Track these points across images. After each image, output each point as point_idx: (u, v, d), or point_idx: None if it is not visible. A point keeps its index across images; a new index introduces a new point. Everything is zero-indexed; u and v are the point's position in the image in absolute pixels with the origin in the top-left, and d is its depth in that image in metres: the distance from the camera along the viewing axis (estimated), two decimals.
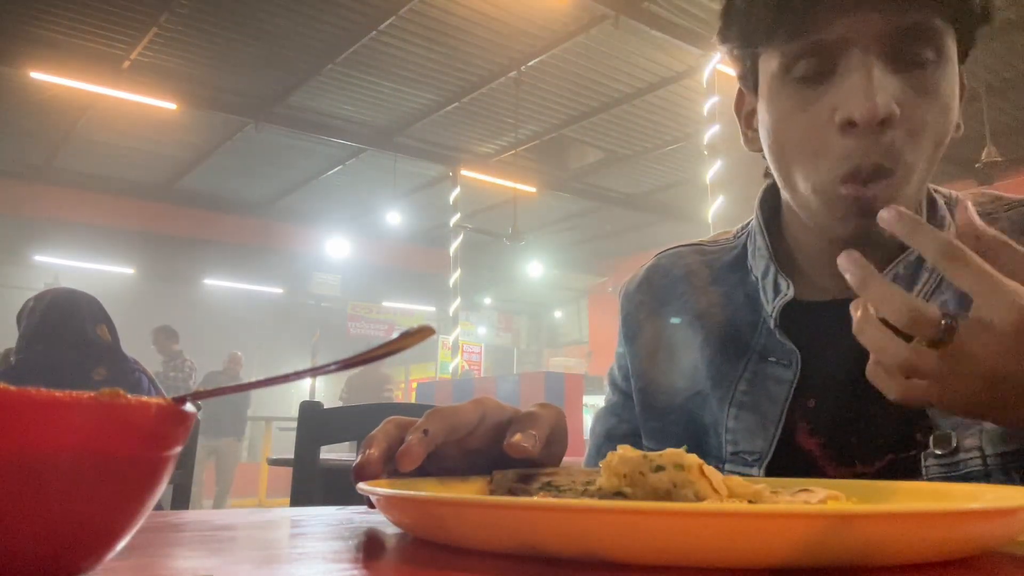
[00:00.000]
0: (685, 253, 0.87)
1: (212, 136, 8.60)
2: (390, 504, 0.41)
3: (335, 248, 11.31)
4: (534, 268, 12.28)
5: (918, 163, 0.65)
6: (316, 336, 10.36)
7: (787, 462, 0.70)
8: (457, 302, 9.56)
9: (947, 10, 0.63)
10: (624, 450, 0.43)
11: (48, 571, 0.27)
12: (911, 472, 0.67)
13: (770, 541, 0.31)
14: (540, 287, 13.10)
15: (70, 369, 2.27)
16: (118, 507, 0.28)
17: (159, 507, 0.73)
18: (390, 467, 0.51)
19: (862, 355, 0.54)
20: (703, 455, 0.75)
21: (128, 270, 10.68)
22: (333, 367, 0.33)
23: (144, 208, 10.42)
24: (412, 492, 0.39)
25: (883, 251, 0.72)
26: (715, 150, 6.69)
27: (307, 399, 1.57)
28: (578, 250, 12.72)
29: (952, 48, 0.66)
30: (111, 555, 0.29)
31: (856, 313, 0.53)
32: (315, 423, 1.56)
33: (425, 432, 0.51)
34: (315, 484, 1.54)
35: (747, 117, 0.76)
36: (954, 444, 0.65)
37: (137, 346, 2.79)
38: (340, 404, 6.46)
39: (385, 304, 12.90)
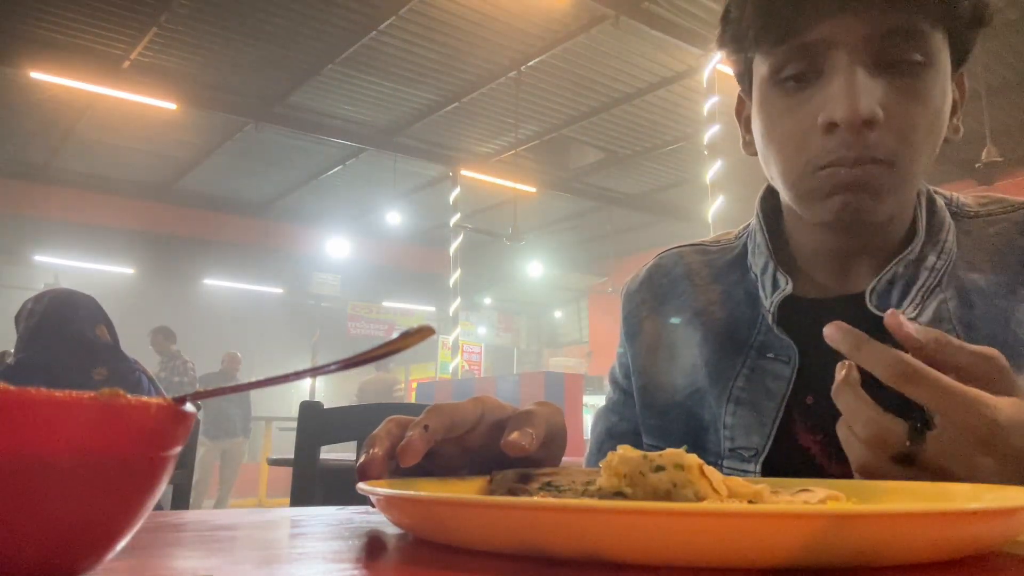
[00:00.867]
0: (687, 253, 0.88)
1: (212, 136, 8.61)
2: (390, 504, 0.41)
3: (335, 248, 11.31)
4: (534, 268, 12.28)
5: (905, 163, 0.65)
6: (316, 336, 10.36)
7: (786, 459, 0.70)
8: (457, 302, 9.56)
9: (934, 13, 0.63)
10: (624, 450, 0.43)
11: (48, 571, 0.27)
12: None
13: (770, 541, 0.31)
14: (540, 287, 13.10)
15: (70, 370, 2.27)
16: (118, 507, 0.28)
17: (159, 507, 0.73)
18: (392, 465, 0.51)
19: None
20: (702, 452, 0.76)
21: (128, 270, 10.68)
22: (333, 367, 0.33)
23: (144, 208, 10.42)
24: (412, 492, 0.39)
25: (880, 249, 0.72)
26: (715, 150, 6.69)
27: (307, 399, 1.57)
28: (578, 250, 12.72)
29: (942, 51, 0.66)
30: (111, 555, 0.29)
31: (840, 374, 0.52)
32: (315, 423, 1.56)
33: (425, 428, 0.51)
34: (315, 484, 1.54)
35: (746, 122, 0.77)
36: None
37: (137, 346, 2.79)
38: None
39: (385, 304, 12.90)
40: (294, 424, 1.63)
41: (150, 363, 4.43)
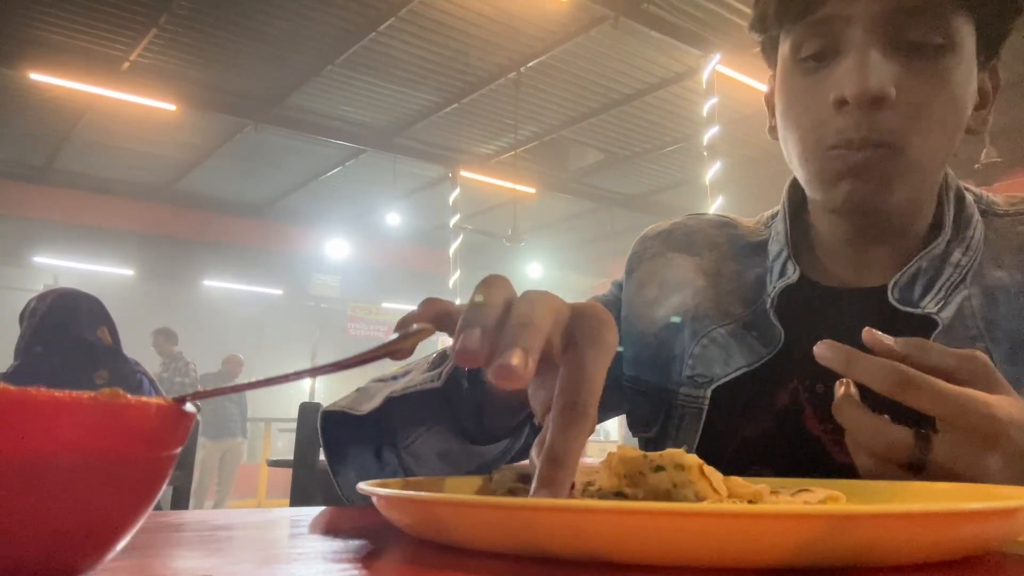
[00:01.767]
0: (716, 224, 0.87)
1: (211, 137, 8.61)
2: (390, 504, 0.41)
3: (335, 249, 11.31)
4: (534, 269, 12.28)
5: (919, 146, 0.64)
6: (316, 337, 10.36)
7: (795, 448, 0.70)
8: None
9: None
10: (624, 450, 0.43)
11: (48, 571, 0.27)
12: None
13: (770, 541, 0.31)
14: (540, 288, 13.07)
15: (71, 372, 2.27)
16: (118, 507, 0.28)
17: (159, 507, 0.73)
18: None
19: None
20: (666, 381, 0.76)
21: (127, 271, 10.68)
22: (333, 368, 0.33)
23: (143, 209, 10.42)
24: (412, 492, 0.39)
25: (901, 242, 0.72)
26: (715, 151, 6.70)
27: (307, 400, 1.57)
28: (578, 251, 12.72)
29: (966, 36, 0.65)
30: (111, 555, 0.29)
31: (839, 391, 0.52)
32: (314, 424, 1.56)
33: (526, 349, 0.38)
34: (314, 485, 1.54)
35: (771, 106, 0.77)
36: None
37: (137, 347, 2.79)
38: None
39: (385, 305, 12.90)
40: (294, 425, 1.63)
41: (151, 364, 4.43)
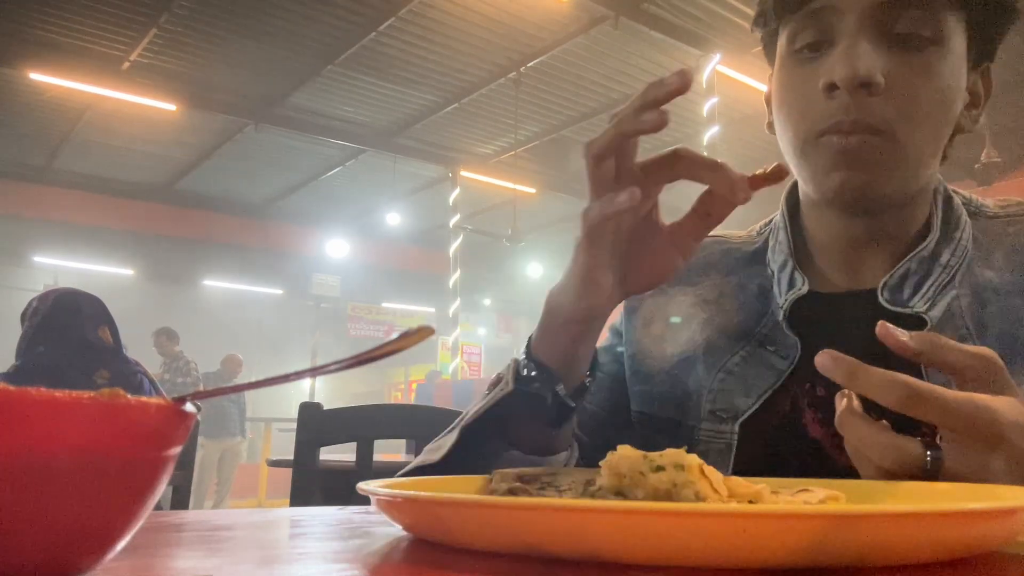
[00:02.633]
0: (707, 243, 0.87)
1: (211, 137, 8.61)
2: (390, 504, 0.41)
3: (335, 249, 11.31)
4: (534, 269, 12.28)
5: (909, 135, 0.65)
6: (316, 337, 10.36)
7: (796, 451, 0.70)
8: (457, 303, 9.56)
9: None
10: (624, 450, 0.43)
11: (48, 571, 0.27)
12: None
13: (770, 541, 0.31)
14: (540, 288, 13.08)
15: (71, 371, 2.27)
16: (118, 507, 0.28)
17: (159, 507, 0.73)
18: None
19: (873, 347, 0.53)
20: (682, 417, 0.76)
21: (127, 271, 10.68)
22: (333, 367, 0.33)
23: (143, 209, 10.42)
24: (412, 492, 0.39)
25: (893, 245, 0.73)
26: (714, 151, 6.70)
27: (307, 400, 1.57)
28: None
29: (955, 33, 0.66)
30: (111, 555, 0.29)
31: (840, 404, 0.52)
32: (314, 424, 1.56)
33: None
34: (314, 485, 1.54)
35: (770, 103, 0.78)
36: None
37: (136, 347, 2.79)
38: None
39: (385, 305, 12.90)
40: (294, 425, 1.62)
41: (151, 364, 4.43)
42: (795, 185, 0.81)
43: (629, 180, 0.57)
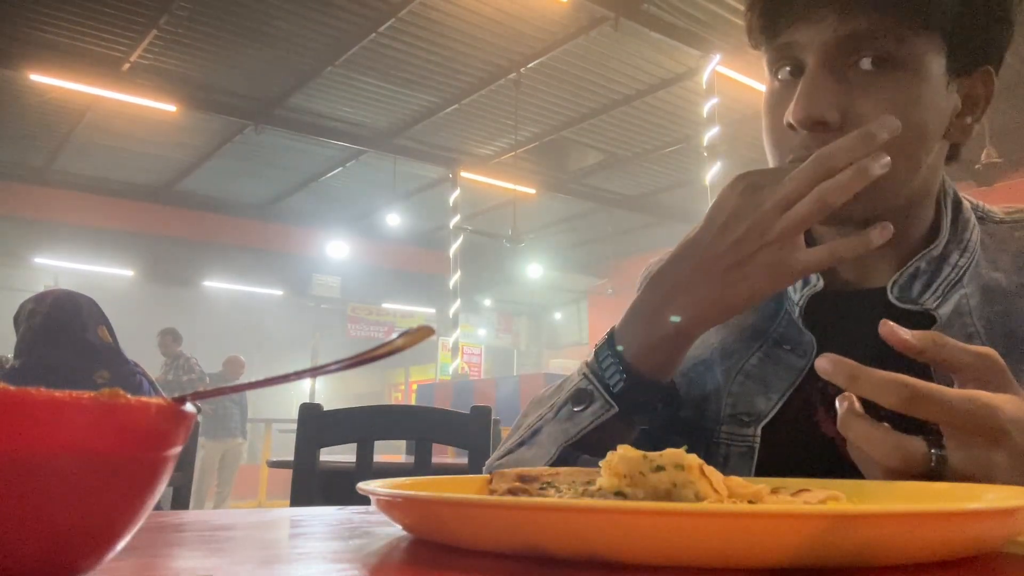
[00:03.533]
0: None
1: (212, 138, 8.61)
2: (390, 504, 0.41)
3: (335, 250, 11.31)
4: (534, 270, 12.28)
5: None
6: (316, 337, 10.36)
7: (809, 449, 0.71)
8: (457, 304, 9.56)
9: (907, 15, 0.64)
10: (624, 450, 0.43)
11: (48, 571, 0.27)
12: None
13: (770, 541, 0.31)
14: (540, 289, 13.11)
15: (72, 372, 2.27)
16: (118, 507, 0.28)
17: (159, 507, 0.73)
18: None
19: (883, 345, 0.53)
20: (700, 419, 0.77)
21: (128, 272, 10.68)
22: (333, 368, 0.33)
23: (144, 210, 10.43)
24: (412, 492, 0.39)
25: (902, 246, 0.73)
26: (715, 151, 6.70)
27: (307, 401, 1.58)
28: (578, 252, 12.73)
29: (928, 54, 0.65)
30: (111, 555, 0.29)
31: (842, 406, 0.52)
32: (315, 425, 1.56)
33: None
34: (314, 486, 1.54)
35: None
36: None
37: (136, 349, 2.79)
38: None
39: (385, 306, 12.90)
40: (294, 426, 1.63)
41: (151, 365, 4.43)
42: None
43: None
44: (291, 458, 1.56)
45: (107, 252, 10.29)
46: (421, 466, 1.68)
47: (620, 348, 0.67)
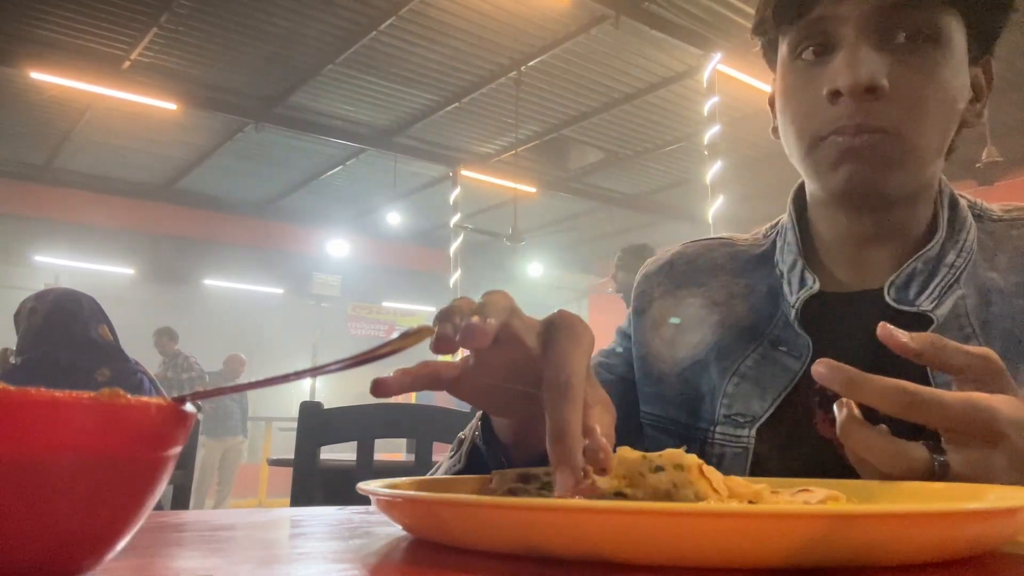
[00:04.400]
0: (714, 246, 0.88)
1: (212, 136, 8.60)
2: (390, 504, 0.41)
3: (335, 248, 11.31)
4: (534, 268, 12.27)
5: (911, 135, 0.66)
6: (317, 337, 10.36)
7: (807, 452, 0.71)
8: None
9: None
10: (623, 451, 0.43)
11: (48, 571, 0.27)
12: None
13: (770, 541, 0.31)
14: (540, 287, 13.09)
15: (73, 370, 2.27)
16: (118, 507, 0.28)
17: (159, 507, 0.73)
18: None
19: (880, 346, 0.53)
20: (694, 419, 0.77)
21: (128, 270, 10.67)
22: (333, 367, 0.33)
23: (144, 208, 10.42)
24: (412, 492, 0.39)
25: (899, 244, 0.73)
26: (715, 150, 6.69)
27: (307, 399, 1.58)
28: (578, 250, 12.72)
29: (955, 31, 0.67)
30: (111, 555, 0.29)
31: (841, 412, 0.52)
32: (315, 423, 1.56)
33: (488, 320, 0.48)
34: (315, 484, 1.54)
35: (772, 106, 0.79)
36: None
37: (137, 348, 2.79)
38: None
39: (385, 304, 12.90)
40: (294, 424, 1.63)
41: (151, 364, 4.43)
42: (801, 186, 0.81)
43: None
44: (291, 456, 1.56)
45: (107, 250, 10.29)
46: (422, 465, 1.68)
47: None
